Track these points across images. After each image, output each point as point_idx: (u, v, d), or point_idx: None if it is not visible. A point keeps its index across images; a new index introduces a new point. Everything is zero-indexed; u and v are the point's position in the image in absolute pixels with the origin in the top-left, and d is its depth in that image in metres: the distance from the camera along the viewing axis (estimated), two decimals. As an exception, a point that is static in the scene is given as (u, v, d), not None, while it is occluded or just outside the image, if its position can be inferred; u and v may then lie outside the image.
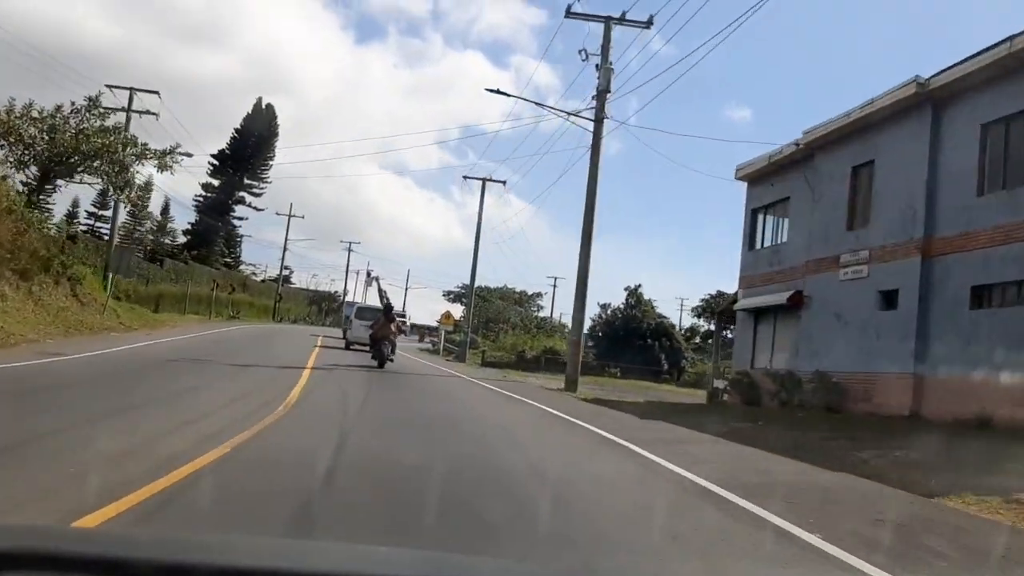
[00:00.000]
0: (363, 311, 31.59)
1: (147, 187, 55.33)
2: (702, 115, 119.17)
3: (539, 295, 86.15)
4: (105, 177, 26.99)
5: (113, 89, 32.24)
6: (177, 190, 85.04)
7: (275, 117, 77.22)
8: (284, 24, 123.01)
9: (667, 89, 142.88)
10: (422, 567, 1.61)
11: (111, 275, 29.97)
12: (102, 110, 27.18)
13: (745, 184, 23.99)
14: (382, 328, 20.99)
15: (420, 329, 77.21)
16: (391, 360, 20.90)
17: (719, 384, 24.97)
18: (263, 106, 75.56)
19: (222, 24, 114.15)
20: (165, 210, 68.61)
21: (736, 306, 24.16)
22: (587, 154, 23.77)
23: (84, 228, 55.52)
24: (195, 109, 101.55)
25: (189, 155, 30.49)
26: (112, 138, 26.44)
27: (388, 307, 22.93)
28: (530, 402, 16.72)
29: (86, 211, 62.25)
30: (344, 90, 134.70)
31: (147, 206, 56.72)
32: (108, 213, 51.49)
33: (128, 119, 32.92)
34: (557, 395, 20.33)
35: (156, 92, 34.93)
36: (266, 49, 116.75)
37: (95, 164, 26.25)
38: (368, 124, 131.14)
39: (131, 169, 27.52)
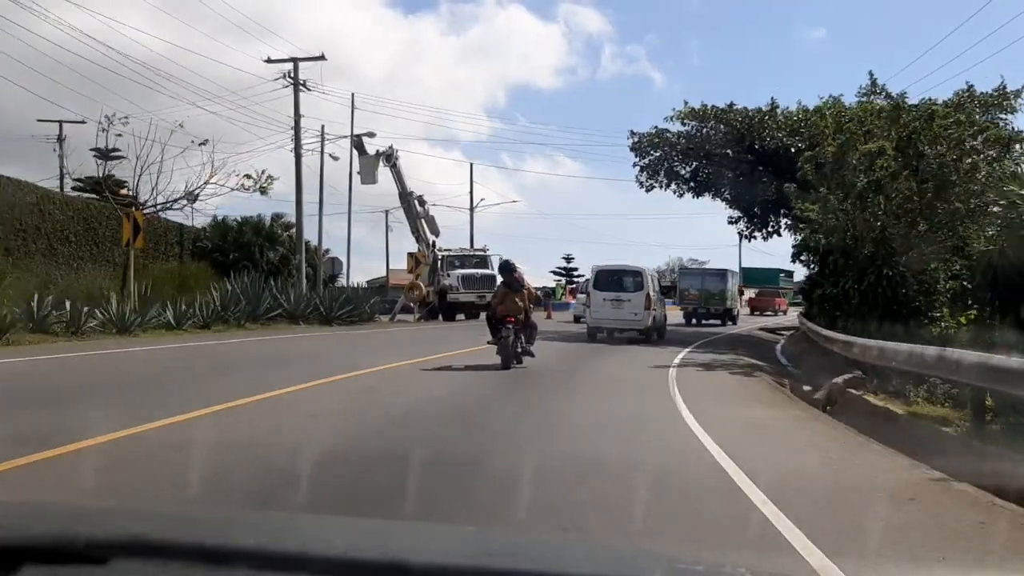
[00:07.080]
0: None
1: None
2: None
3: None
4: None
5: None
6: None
7: None
8: (332, 11, 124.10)
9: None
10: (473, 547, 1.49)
11: None
12: None
13: None
14: (503, 300, 12.69)
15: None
16: (531, 355, 12.66)
17: None
18: None
19: (273, 16, 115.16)
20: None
21: None
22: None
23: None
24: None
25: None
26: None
27: (507, 266, 13.64)
28: None
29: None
30: (396, 66, 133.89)
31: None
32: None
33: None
34: None
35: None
36: (319, 38, 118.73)
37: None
38: (422, 97, 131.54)
39: None
